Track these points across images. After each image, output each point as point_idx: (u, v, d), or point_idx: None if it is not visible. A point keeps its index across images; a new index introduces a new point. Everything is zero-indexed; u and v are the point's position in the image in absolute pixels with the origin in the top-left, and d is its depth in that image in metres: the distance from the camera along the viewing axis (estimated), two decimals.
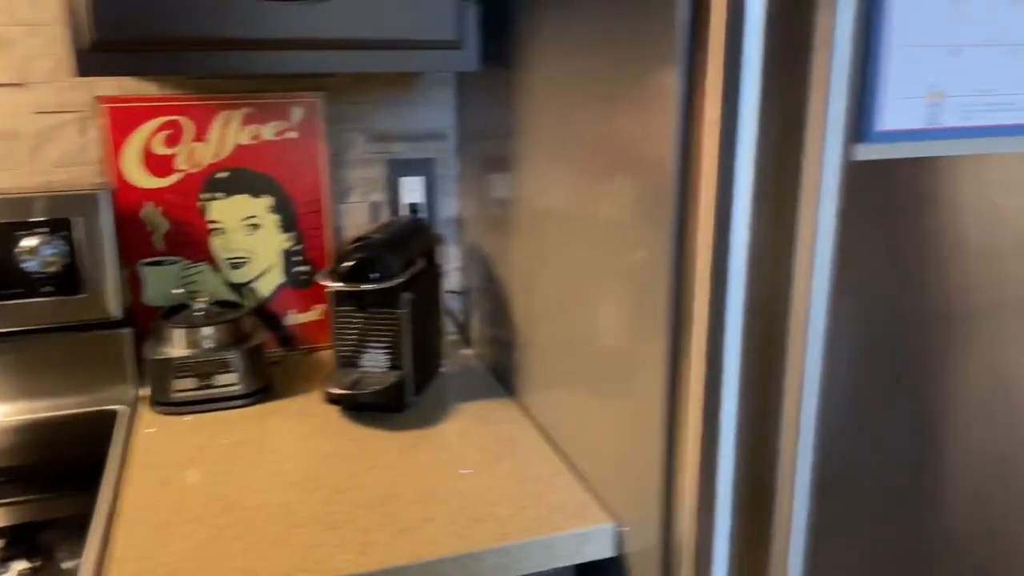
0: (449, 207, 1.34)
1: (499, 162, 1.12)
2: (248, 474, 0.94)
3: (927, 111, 0.64)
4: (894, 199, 0.67)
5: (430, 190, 1.31)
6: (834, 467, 0.70)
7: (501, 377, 1.19)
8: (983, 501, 0.77)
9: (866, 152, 0.63)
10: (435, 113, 1.29)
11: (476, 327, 1.31)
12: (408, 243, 1.10)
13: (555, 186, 0.92)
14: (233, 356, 1.11)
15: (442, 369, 1.24)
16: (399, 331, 1.07)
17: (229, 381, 1.11)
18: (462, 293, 1.36)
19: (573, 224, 0.89)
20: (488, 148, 1.17)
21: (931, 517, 0.75)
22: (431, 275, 1.17)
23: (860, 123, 0.62)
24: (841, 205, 0.65)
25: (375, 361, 1.09)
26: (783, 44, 0.60)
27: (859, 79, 0.61)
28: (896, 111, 0.63)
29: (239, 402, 1.13)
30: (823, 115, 0.58)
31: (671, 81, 0.66)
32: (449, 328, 1.37)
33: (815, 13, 0.56)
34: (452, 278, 1.37)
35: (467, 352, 1.32)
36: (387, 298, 1.05)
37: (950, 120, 0.65)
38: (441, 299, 1.22)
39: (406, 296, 1.06)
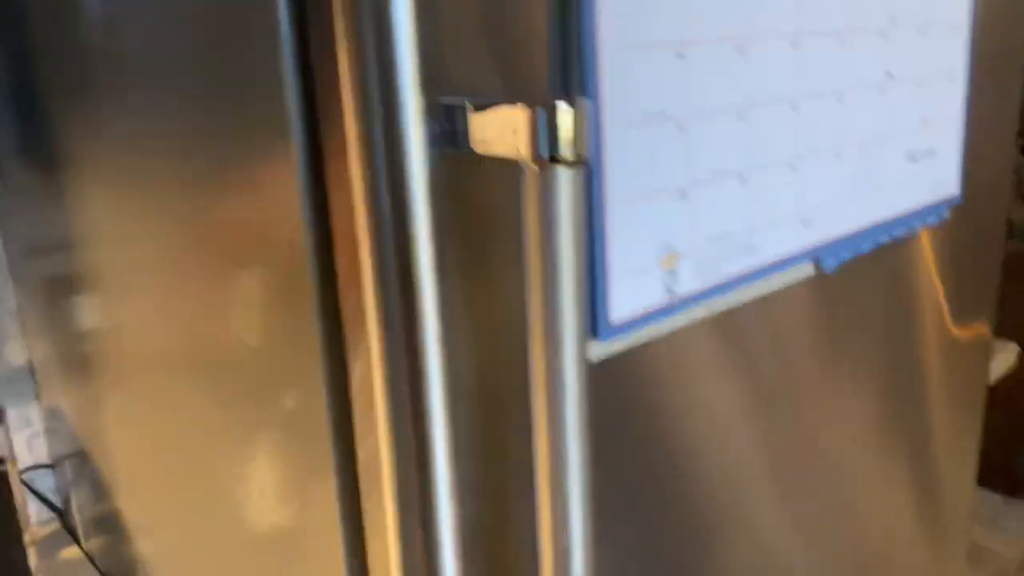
0: (11, 355, 0.97)
1: (72, 284, 0.80)
2: None
3: (664, 281, 0.47)
4: (642, 389, 0.50)
5: None
6: None
7: None
8: None
9: (601, 350, 0.46)
10: None
11: (80, 510, 0.97)
12: None
13: (155, 308, 0.65)
14: None
15: None
16: None
17: None
18: (52, 466, 1.01)
19: (187, 360, 0.62)
20: (54, 266, 0.84)
21: None
22: None
23: (590, 319, 0.44)
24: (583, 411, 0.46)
25: None
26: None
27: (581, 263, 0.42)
28: (628, 294, 0.45)
29: None
30: (553, 312, 0.38)
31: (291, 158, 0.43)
32: (43, 517, 1.01)
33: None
34: (36, 446, 1.00)
35: (73, 552, 0.97)
36: None
37: (689, 284, 0.49)
38: (13, 498, 0.87)
39: None
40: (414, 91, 0.37)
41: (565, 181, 0.34)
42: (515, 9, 0.40)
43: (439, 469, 0.44)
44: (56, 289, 0.86)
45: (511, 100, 0.39)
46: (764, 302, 0.57)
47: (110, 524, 0.89)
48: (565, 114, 0.33)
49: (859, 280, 0.66)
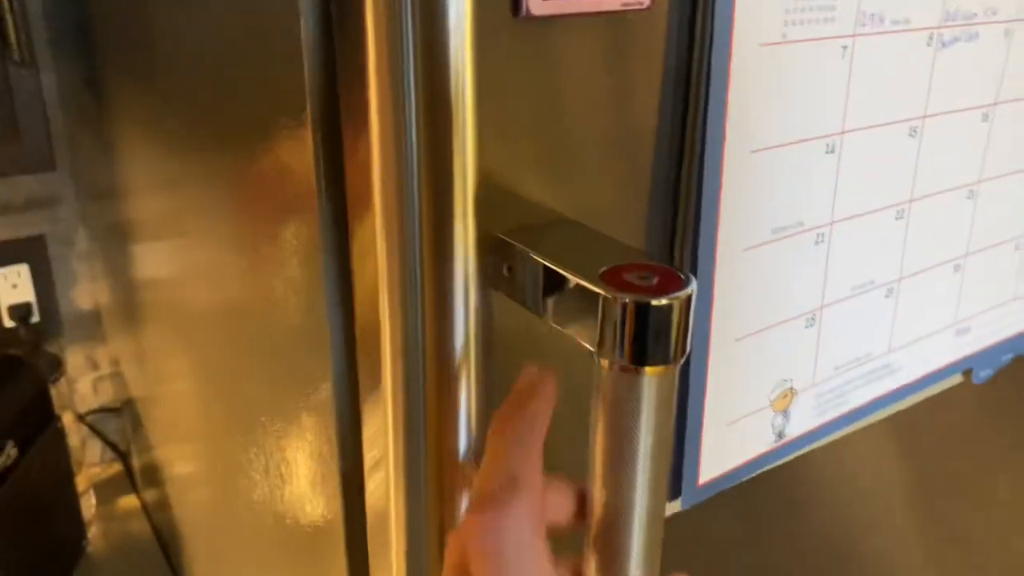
0: (79, 298, 0.95)
1: (125, 233, 0.76)
2: None
3: (774, 425, 0.38)
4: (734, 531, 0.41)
5: (42, 281, 0.91)
6: None
7: (169, 546, 0.87)
8: None
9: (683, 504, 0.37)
10: (40, 169, 0.87)
11: (138, 457, 0.96)
12: None
13: (196, 263, 0.59)
14: None
15: (86, 545, 0.89)
16: None
17: None
18: (117, 410, 1.00)
19: (224, 325, 0.56)
20: (114, 214, 0.80)
21: None
22: (42, 440, 0.80)
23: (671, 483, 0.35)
24: None
25: None
26: None
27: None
28: (725, 447, 0.36)
29: None
30: None
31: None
32: (106, 456, 1.01)
33: None
34: (103, 389, 0.99)
35: (130, 501, 0.97)
36: None
37: (805, 424, 0.39)
38: (65, 456, 0.85)
39: None
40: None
41: (652, 387, 0.25)
42: (605, 111, 0.30)
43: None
44: (115, 236, 0.82)
45: (595, 232, 0.29)
46: (896, 420, 0.47)
47: (159, 477, 0.87)
48: (663, 309, 0.24)
49: (1014, 382, 0.54)
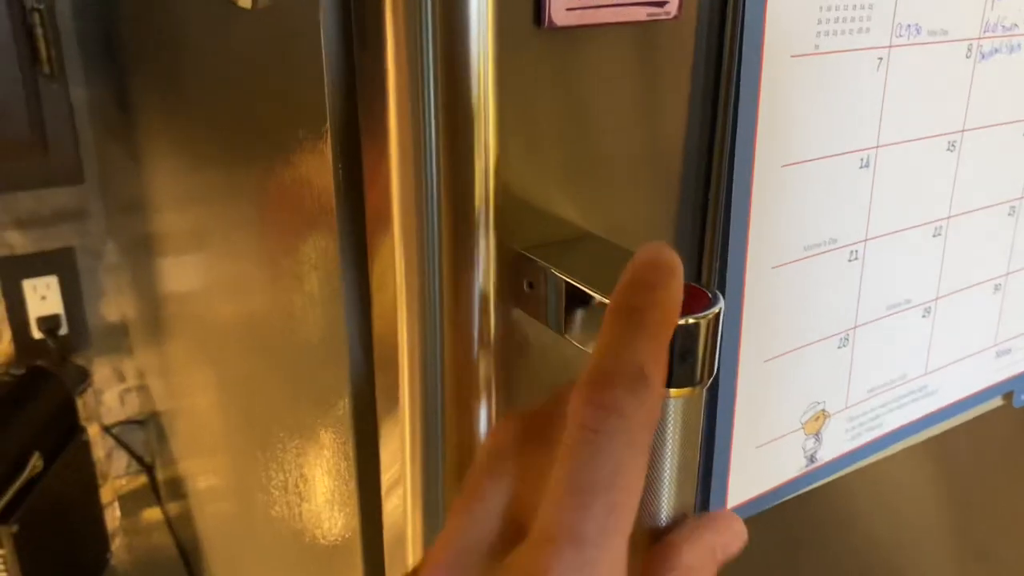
0: (107, 310, 0.95)
1: (150, 247, 0.76)
2: None
3: (805, 448, 0.37)
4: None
5: (71, 293, 0.91)
6: None
7: (191, 559, 0.86)
8: None
9: None
10: (68, 182, 0.88)
11: (162, 470, 0.96)
12: (5, 435, 0.73)
13: (218, 277, 0.59)
14: None
15: (110, 557, 0.89)
16: None
17: None
18: (142, 422, 1.00)
19: (244, 339, 0.56)
20: (140, 227, 0.80)
21: None
22: (68, 452, 0.80)
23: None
24: None
25: None
26: None
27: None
28: (755, 472, 0.35)
29: None
30: None
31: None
32: (131, 468, 1.01)
33: None
34: (129, 401, 1.00)
35: (154, 513, 0.97)
36: None
37: (838, 447, 0.38)
38: (90, 468, 0.86)
39: (7, 531, 0.69)
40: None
41: (678, 409, 0.24)
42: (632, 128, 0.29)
43: None
44: (142, 249, 0.83)
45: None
46: (933, 444, 0.45)
47: (182, 490, 0.87)
48: (690, 329, 0.23)
49: None
